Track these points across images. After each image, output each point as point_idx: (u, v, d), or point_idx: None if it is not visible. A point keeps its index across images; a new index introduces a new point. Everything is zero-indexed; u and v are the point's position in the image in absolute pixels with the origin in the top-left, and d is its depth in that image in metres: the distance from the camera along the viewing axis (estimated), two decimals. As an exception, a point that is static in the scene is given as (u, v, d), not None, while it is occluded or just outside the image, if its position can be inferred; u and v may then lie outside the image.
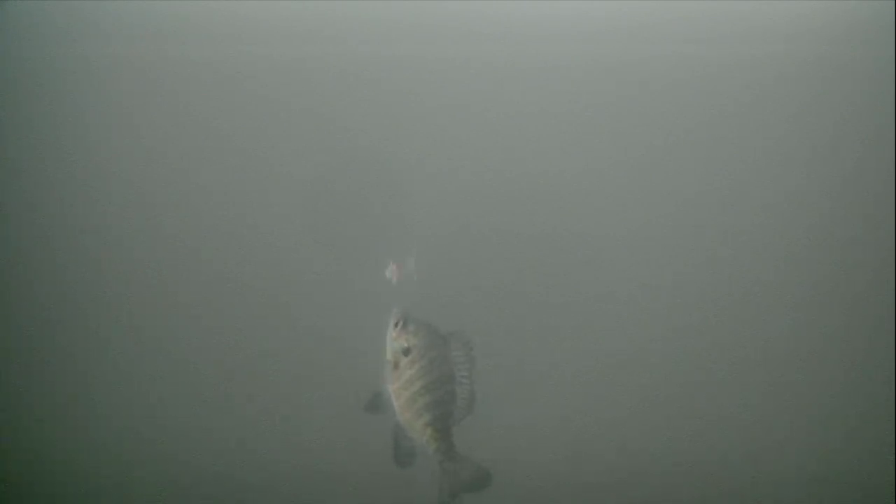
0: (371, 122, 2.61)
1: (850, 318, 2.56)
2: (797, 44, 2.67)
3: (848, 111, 2.65)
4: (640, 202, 2.62)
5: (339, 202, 2.56)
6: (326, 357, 2.52)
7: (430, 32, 2.66)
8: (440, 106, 2.63)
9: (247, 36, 2.68)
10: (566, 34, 2.67)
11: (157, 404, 2.53)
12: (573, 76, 2.66)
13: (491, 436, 2.47)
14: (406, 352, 1.92)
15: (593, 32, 2.67)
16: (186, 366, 2.54)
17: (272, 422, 2.51)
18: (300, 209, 2.58)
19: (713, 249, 2.60)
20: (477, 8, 2.66)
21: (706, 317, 2.57)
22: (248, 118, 2.66)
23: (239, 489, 2.48)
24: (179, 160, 2.64)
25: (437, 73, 2.65)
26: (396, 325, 1.94)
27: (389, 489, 2.44)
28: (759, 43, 2.67)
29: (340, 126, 2.63)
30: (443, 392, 1.92)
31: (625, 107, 2.66)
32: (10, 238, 2.60)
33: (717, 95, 2.66)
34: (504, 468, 2.45)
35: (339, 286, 2.51)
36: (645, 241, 2.59)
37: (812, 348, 2.56)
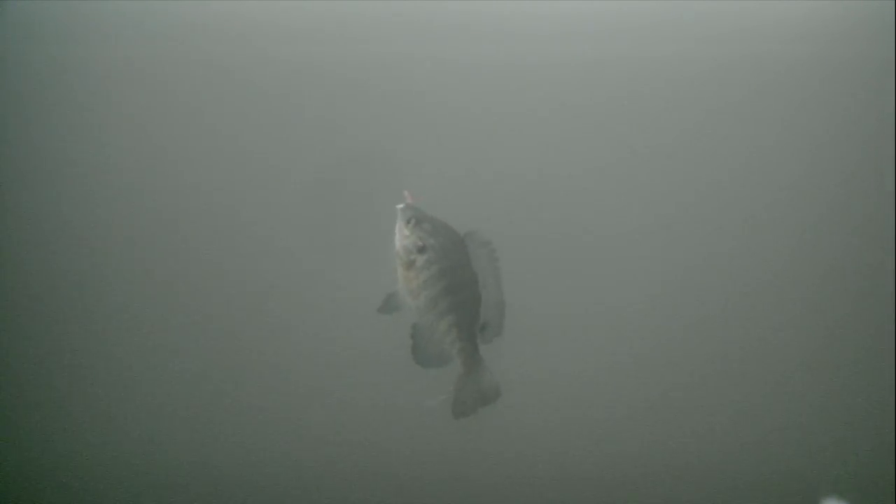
0: (371, 122, 2.61)
1: (851, 317, 2.56)
2: (797, 44, 2.67)
3: (848, 111, 2.65)
4: (639, 202, 2.62)
5: (340, 203, 2.56)
6: (327, 358, 2.52)
7: (430, 32, 2.66)
8: (441, 106, 2.63)
9: (247, 36, 2.68)
10: (566, 34, 2.67)
11: (158, 405, 2.53)
12: (573, 76, 2.66)
13: (492, 434, 2.48)
14: (421, 250, 1.81)
15: (593, 32, 2.67)
16: (187, 366, 2.54)
17: (274, 422, 2.51)
18: (302, 209, 2.58)
19: (712, 249, 2.60)
20: (477, 8, 2.66)
21: (706, 316, 2.57)
22: (248, 118, 2.66)
23: (241, 490, 2.48)
24: (180, 160, 2.64)
25: (437, 73, 2.65)
26: (408, 222, 1.83)
27: (390, 488, 2.45)
28: (759, 43, 2.67)
29: (341, 126, 2.63)
30: (467, 294, 1.83)
31: (623, 107, 2.66)
32: (10, 238, 2.60)
33: (717, 95, 2.66)
34: (503, 467, 2.47)
35: (341, 287, 2.51)
36: (643, 240, 2.60)
37: (812, 347, 2.56)
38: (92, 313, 2.57)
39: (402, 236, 1.84)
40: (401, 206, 1.86)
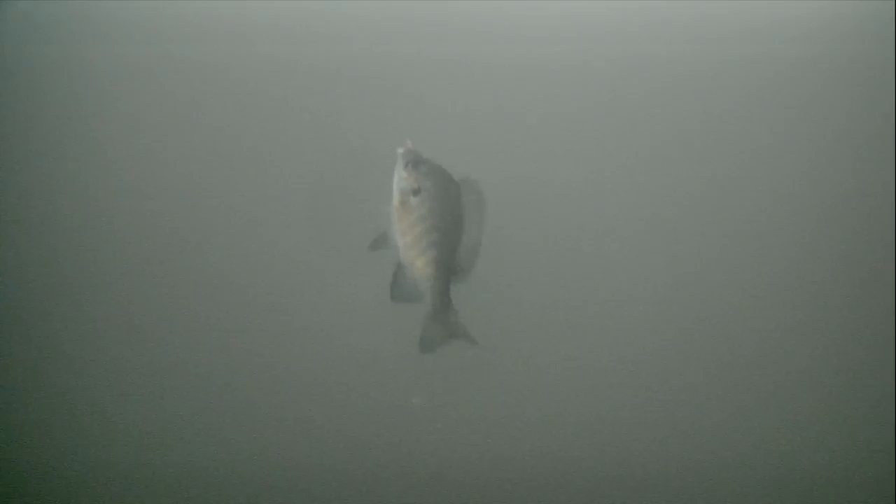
0: (372, 122, 2.61)
1: (851, 318, 2.56)
2: (797, 44, 2.66)
3: (848, 111, 2.65)
4: (636, 203, 2.62)
5: (339, 203, 2.56)
6: (326, 358, 2.52)
7: (430, 32, 2.66)
8: (440, 106, 2.63)
9: (247, 36, 2.68)
10: (566, 34, 2.67)
11: (157, 405, 2.53)
12: (574, 76, 2.66)
13: (490, 433, 2.48)
14: (416, 192, 1.89)
15: (593, 32, 2.67)
16: (187, 366, 2.54)
17: (273, 423, 2.51)
18: (301, 210, 2.58)
19: (712, 249, 2.60)
20: (477, 8, 2.66)
21: (706, 316, 2.57)
22: (248, 118, 2.66)
23: (241, 490, 2.48)
24: (180, 160, 2.64)
25: (436, 73, 2.65)
26: (407, 165, 1.92)
27: (386, 487, 2.45)
28: (759, 43, 2.67)
29: (341, 127, 2.63)
30: (452, 235, 1.92)
31: (622, 107, 2.66)
32: (10, 238, 2.60)
33: (717, 96, 2.66)
34: (500, 467, 2.47)
35: (340, 287, 2.52)
36: (641, 242, 2.59)
37: (812, 348, 2.56)
38: (91, 313, 2.57)
39: (399, 178, 1.93)
40: (401, 150, 1.94)
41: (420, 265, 1.89)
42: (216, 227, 2.60)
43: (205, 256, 2.59)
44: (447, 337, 1.99)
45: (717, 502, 2.46)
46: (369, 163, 2.45)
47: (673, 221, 2.60)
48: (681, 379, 2.52)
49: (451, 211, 1.91)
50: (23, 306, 2.57)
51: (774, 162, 2.64)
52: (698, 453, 2.48)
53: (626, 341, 2.54)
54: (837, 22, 2.66)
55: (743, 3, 2.68)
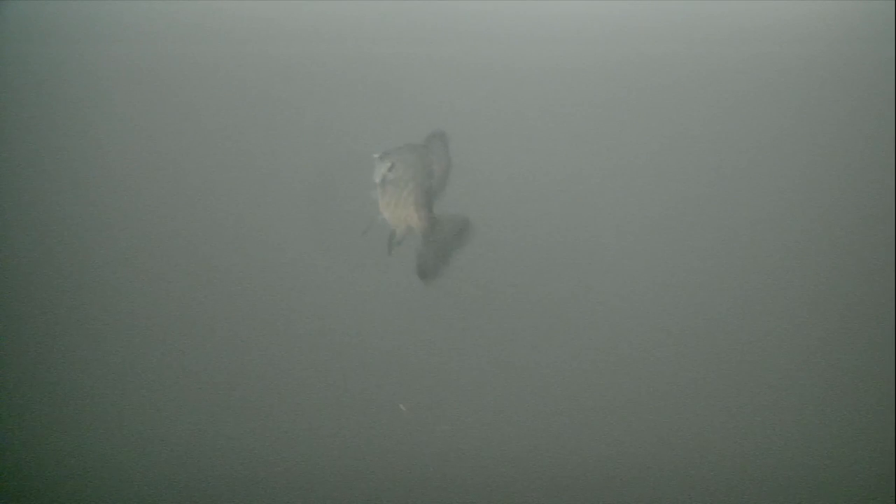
0: (368, 121, 2.61)
1: (851, 318, 2.56)
2: (797, 44, 2.67)
3: (848, 111, 2.65)
4: (637, 203, 2.62)
5: (334, 199, 2.57)
6: (327, 358, 2.53)
7: (430, 32, 2.66)
8: (440, 106, 2.63)
9: (246, 36, 2.68)
10: (567, 34, 2.67)
11: (158, 406, 2.53)
12: (574, 77, 2.66)
13: (489, 433, 2.48)
14: (391, 168, 2.09)
15: (593, 32, 2.67)
16: (187, 367, 2.54)
17: (274, 424, 2.51)
18: (301, 210, 2.59)
19: (712, 249, 2.60)
20: (477, 8, 2.67)
21: (705, 316, 2.57)
22: (248, 118, 2.66)
23: (241, 491, 2.48)
24: (180, 161, 2.65)
25: (437, 73, 2.65)
26: (381, 158, 2.12)
27: (388, 488, 2.45)
28: (759, 43, 2.67)
29: (338, 126, 2.64)
30: (423, 173, 2.11)
31: (621, 107, 2.66)
32: (10, 238, 2.60)
33: (717, 96, 2.66)
34: (501, 466, 2.47)
35: (341, 288, 2.52)
36: (643, 242, 2.60)
37: (812, 348, 2.56)
38: (91, 313, 2.57)
39: (377, 169, 2.12)
40: (377, 155, 2.14)
41: (408, 214, 2.07)
42: (214, 225, 2.61)
43: (203, 254, 2.59)
44: (443, 256, 2.14)
45: (716, 502, 2.46)
46: (364, 160, 2.45)
47: (672, 220, 2.61)
48: (680, 378, 2.52)
49: (420, 159, 2.10)
50: (23, 306, 2.57)
51: (774, 162, 2.65)
52: (697, 453, 2.48)
53: (626, 341, 2.54)
54: (837, 22, 2.66)
55: (743, 3, 2.68)
